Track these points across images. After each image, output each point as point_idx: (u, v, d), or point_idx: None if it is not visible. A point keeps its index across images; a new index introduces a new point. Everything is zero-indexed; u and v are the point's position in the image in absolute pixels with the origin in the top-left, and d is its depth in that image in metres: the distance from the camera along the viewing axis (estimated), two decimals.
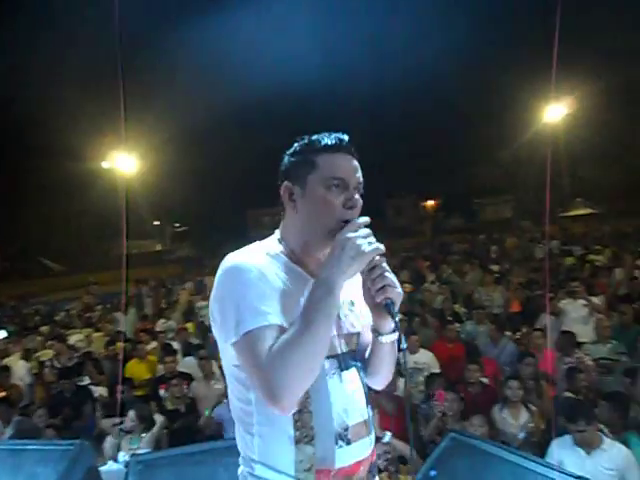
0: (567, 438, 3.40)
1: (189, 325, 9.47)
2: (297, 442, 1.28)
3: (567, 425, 3.41)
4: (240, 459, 1.42)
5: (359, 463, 1.36)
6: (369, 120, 31.17)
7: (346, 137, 1.41)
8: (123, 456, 3.76)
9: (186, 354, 6.81)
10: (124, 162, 21.79)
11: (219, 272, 1.33)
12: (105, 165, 23.80)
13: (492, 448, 2.24)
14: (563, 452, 3.34)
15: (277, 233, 1.48)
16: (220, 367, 6.71)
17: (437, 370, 5.25)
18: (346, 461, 1.32)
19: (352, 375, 1.38)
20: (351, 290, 1.43)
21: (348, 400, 1.35)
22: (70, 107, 23.60)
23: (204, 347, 7.16)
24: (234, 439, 1.45)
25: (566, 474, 2.00)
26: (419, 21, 28.54)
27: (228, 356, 1.34)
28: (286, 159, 1.45)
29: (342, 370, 1.36)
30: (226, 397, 5.19)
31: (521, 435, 3.95)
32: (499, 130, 28.81)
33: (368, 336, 1.45)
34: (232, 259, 1.33)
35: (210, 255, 28.00)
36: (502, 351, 5.55)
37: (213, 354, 6.98)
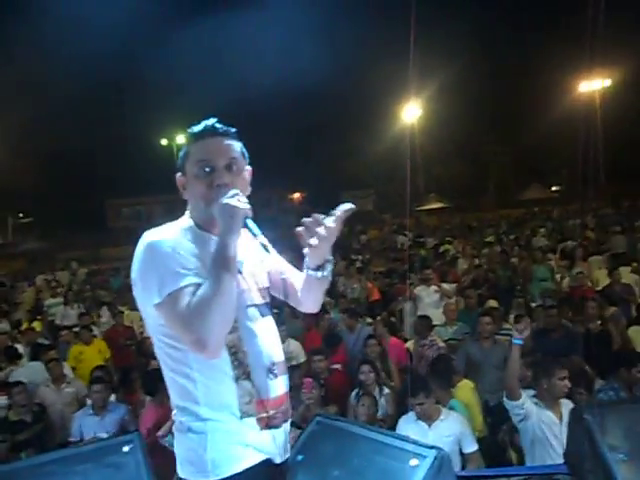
0: (411, 414, 3.67)
1: (36, 324, 8.60)
2: (237, 379, 1.48)
3: (409, 400, 3.67)
4: (175, 413, 1.54)
5: (284, 395, 1.61)
6: (240, 114, 30.84)
7: (212, 120, 1.58)
8: None
9: (34, 357, 6.13)
10: None
11: (139, 248, 1.48)
12: None
13: (355, 428, 2.33)
14: (408, 427, 3.60)
15: (187, 213, 1.64)
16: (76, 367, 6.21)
17: (303, 359, 5.35)
18: (276, 392, 1.56)
19: (270, 321, 1.64)
20: (257, 251, 1.62)
21: (271, 340, 1.60)
22: None
23: (54, 347, 6.57)
24: (90, 443, 1.37)
25: (420, 444, 2.14)
26: (294, 25, 28.89)
27: (154, 318, 1.48)
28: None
29: (263, 316, 1.60)
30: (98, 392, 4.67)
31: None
32: (363, 127, 30.19)
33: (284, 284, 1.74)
34: (149, 236, 1.48)
35: (61, 248, 25.70)
36: (358, 337, 5.66)
37: (64, 355, 6.43)
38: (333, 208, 1.63)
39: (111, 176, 31.46)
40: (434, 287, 6.62)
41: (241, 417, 1.48)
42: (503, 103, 28.70)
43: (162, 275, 1.41)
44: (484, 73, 28.64)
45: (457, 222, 21.74)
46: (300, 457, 2.43)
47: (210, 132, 1.56)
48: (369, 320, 6.54)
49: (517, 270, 9.05)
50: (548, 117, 25.80)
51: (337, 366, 5.03)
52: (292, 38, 28.26)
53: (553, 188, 34.07)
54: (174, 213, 1.67)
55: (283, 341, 5.27)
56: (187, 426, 1.49)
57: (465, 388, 4.35)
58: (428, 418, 3.59)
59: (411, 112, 25.38)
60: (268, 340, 1.59)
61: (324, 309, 7.37)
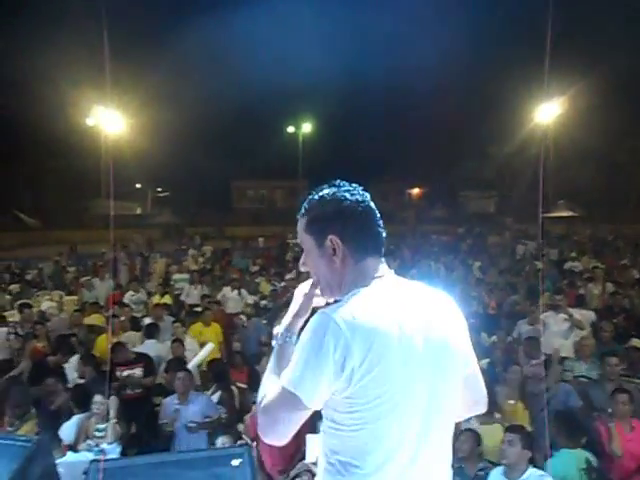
0: (500, 468, 3.36)
1: (167, 297, 9.16)
2: None
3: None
4: None
5: None
6: (364, 106, 30.91)
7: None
8: (89, 445, 3.62)
9: (149, 336, 6.30)
10: (110, 120, 21.19)
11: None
12: (90, 122, 23.10)
13: None
14: None
15: None
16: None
17: None
18: None
19: None
20: None
21: None
22: (54, 62, 22.65)
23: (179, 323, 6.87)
24: (201, 451, 1.36)
25: None
26: (416, 19, 28.24)
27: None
28: None
29: None
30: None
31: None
32: (491, 126, 28.76)
33: None
34: None
35: (190, 223, 27.67)
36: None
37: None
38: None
39: (239, 160, 33.13)
40: (563, 315, 5.99)
41: None
42: None
43: None
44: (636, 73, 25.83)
45: (588, 234, 19.91)
46: None
47: None
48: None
49: None
50: None
51: None
52: (422, 32, 27.57)
53: None
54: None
55: None
56: None
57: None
58: (511, 473, 3.25)
59: (547, 112, 23.51)
60: None
61: None
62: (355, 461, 1.31)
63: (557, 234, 20.01)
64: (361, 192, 1.46)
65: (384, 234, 1.47)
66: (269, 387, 1.35)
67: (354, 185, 1.48)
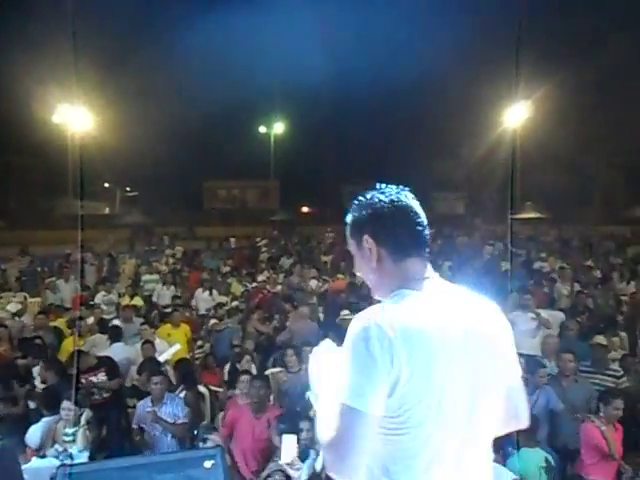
0: None
1: (136, 300, 9.02)
2: None
3: None
4: None
5: None
6: (335, 108, 31.03)
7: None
8: (56, 450, 3.54)
9: (115, 339, 6.21)
10: (77, 118, 20.75)
11: None
12: (56, 119, 22.54)
13: None
14: None
15: None
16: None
17: None
18: None
19: None
20: None
21: None
22: (19, 58, 22.02)
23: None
24: (172, 453, 1.34)
25: None
26: (387, 23, 28.55)
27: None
28: None
29: None
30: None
31: None
32: (460, 128, 29.19)
33: None
34: None
35: (160, 223, 27.25)
36: None
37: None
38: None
39: (210, 159, 32.81)
40: (531, 314, 6.11)
41: None
42: (624, 112, 26.47)
43: None
44: (606, 78, 26.56)
45: (555, 234, 20.44)
46: None
47: None
48: None
49: (620, 299, 8.30)
50: None
51: None
52: (393, 35, 27.85)
53: None
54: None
55: None
56: None
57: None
58: None
59: (516, 115, 24.04)
60: None
61: None
62: (395, 465, 1.28)
63: (525, 235, 20.42)
64: (397, 192, 1.48)
65: (426, 233, 1.46)
66: (326, 421, 1.29)
67: (393, 186, 1.50)
